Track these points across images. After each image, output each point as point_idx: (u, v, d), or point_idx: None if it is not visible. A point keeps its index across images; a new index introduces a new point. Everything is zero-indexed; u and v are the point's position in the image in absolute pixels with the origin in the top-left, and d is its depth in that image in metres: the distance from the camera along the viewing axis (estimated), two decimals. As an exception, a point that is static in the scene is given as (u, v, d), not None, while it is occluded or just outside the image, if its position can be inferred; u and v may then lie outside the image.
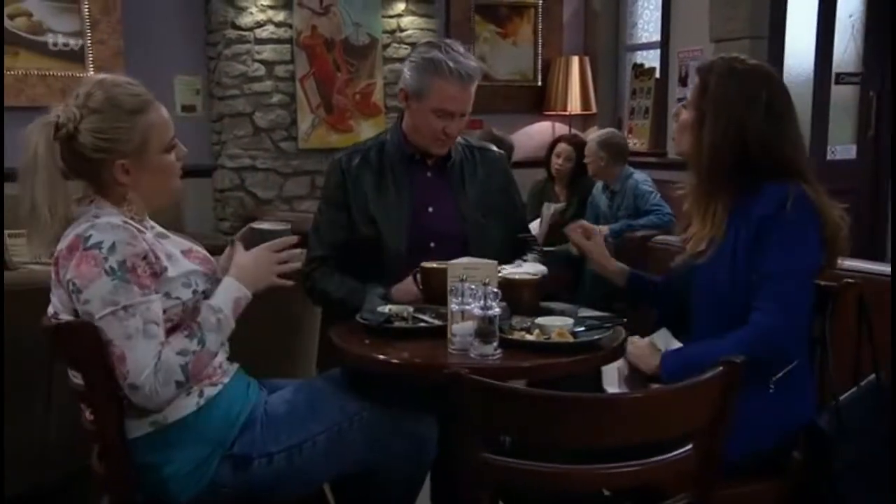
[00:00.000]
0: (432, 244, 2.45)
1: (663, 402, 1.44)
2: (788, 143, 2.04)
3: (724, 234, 2.06)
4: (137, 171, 1.87)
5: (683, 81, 6.03)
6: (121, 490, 1.83)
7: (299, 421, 1.94)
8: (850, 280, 2.15)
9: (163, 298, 1.81)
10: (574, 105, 6.45)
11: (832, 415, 2.03)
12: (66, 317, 1.79)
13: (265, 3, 5.56)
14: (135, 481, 1.82)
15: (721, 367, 1.45)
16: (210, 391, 1.87)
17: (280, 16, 5.61)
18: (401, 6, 5.92)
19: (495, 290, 1.88)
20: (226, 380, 1.92)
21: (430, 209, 2.52)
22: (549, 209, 4.96)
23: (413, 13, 5.96)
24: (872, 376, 2.13)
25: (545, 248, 4.95)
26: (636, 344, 2.11)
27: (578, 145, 5.35)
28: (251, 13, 5.52)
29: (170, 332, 1.81)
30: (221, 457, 1.85)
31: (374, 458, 2.02)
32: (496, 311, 1.85)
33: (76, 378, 1.82)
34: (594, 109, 6.56)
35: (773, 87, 2.05)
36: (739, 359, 1.46)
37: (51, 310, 1.85)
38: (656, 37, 6.42)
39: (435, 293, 2.15)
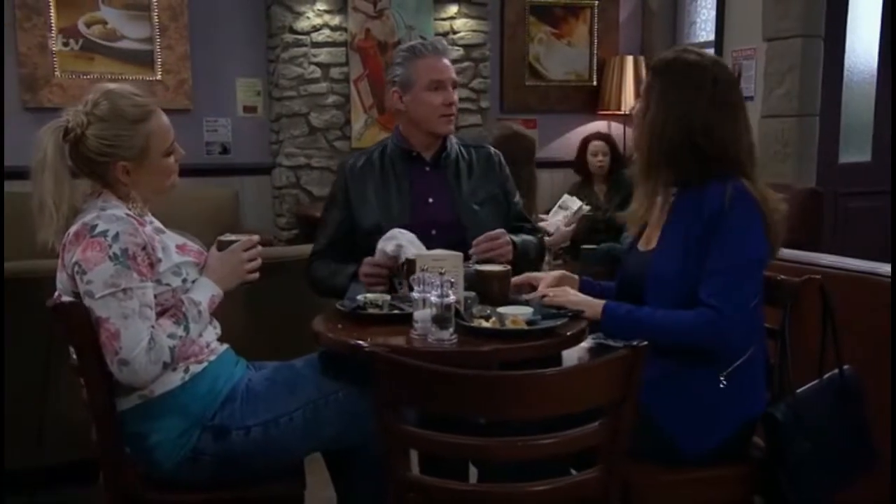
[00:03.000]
0: (433, 231, 2.63)
1: (565, 381, 1.55)
2: (730, 133, 2.11)
3: (670, 225, 2.17)
4: (137, 172, 2.07)
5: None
6: (112, 457, 2.02)
7: (277, 397, 2.10)
8: (812, 276, 2.21)
9: (154, 285, 2.01)
10: (628, 104, 6.47)
11: (789, 407, 2.09)
12: (67, 298, 2.00)
13: (321, 8, 5.77)
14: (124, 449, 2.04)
15: (624, 351, 1.56)
16: (195, 368, 2.06)
17: (335, 20, 5.81)
18: (453, 9, 6.05)
19: (451, 279, 2.01)
20: (212, 358, 2.10)
21: (430, 199, 2.72)
22: (575, 204, 4.91)
23: (465, 15, 6.08)
24: (836, 371, 2.20)
25: (585, 247, 5.04)
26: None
27: (609, 140, 5.49)
28: (308, 18, 5.74)
29: (159, 315, 2.01)
30: (203, 427, 2.03)
31: (351, 435, 2.17)
32: (451, 298, 1.98)
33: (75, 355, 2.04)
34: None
35: (721, 76, 2.12)
36: (642, 344, 1.56)
37: (56, 293, 2.07)
38: (713, 36, 6.40)
39: None
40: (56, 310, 1.97)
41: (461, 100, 6.03)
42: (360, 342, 1.90)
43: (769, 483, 2.12)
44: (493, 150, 2.85)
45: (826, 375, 2.19)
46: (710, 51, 6.37)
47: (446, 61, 2.69)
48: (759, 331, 2.18)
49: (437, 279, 1.99)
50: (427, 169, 2.74)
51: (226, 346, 2.19)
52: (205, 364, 2.08)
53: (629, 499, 2.07)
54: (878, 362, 2.45)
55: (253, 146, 5.99)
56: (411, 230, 2.62)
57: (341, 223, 2.72)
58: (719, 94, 2.10)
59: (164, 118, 2.12)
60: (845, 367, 2.20)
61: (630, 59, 6.53)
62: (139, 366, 1.92)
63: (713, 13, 6.39)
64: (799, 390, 2.13)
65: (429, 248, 2.44)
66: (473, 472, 2.54)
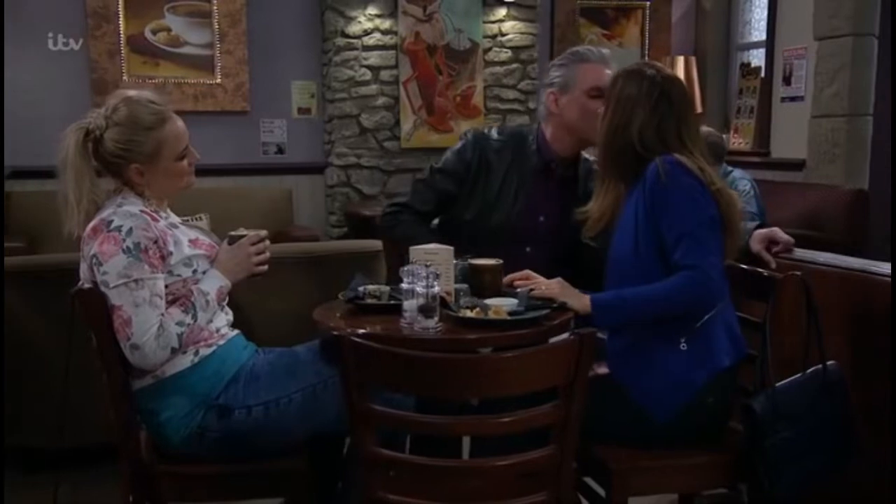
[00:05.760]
0: (528, 249, 2.69)
1: (514, 364, 1.66)
2: (669, 136, 2.26)
3: (623, 213, 2.30)
4: (150, 174, 2.24)
5: (787, 80, 5.97)
6: (128, 433, 2.19)
7: (277, 380, 2.24)
8: (794, 272, 2.27)
9: (166, 276, 2.18)
10: (679, 104, 6.47)
11: (768, 399, 2.16)
12: (87, 286, 2.19)
13: (372, 13, 5.95)
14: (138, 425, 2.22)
15: (574, 337, 1.66)
16: (205, 351, 2.22)
17: (386, 24, 5.98)
18: (502, 12, 6.16)
19: (437, 271, 2.14)
20: (221, 342, 2.26)
21: (542, 218, 2.73)
22: None
23: (514, 18, 6.19)
24: (819, 366, 2.25)
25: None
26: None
27: None
28: (359, 22, 5.93)
29: (170, 304, 2.18)
30: (208, 406, 2.19)
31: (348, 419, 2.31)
32: (436, 289, 2.11)
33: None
34: (699, 109, 6.55)
35: (669, 91, 2.28)
36: (588, 330, 1.66)
37: (80, 281, 2.26)
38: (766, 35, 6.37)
39: None
40: (77, 296, 2.15)
41: (509, 100, 6.18)
42: (336, 329, 2.03)
43: (750, 471, 2.19)
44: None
45: (809, 370, 2.25)
46: (762, 51, 6.36)
47: (609, 72, 2.63)
48: (725, 290, 2.27)
49: (424, 271, 2.11)
50: (553, 185, 2.73)
51: (236, 331, 2.35)
52: (214, 348, 2.24)
53: (610, 484, 2.17)
54: (874, 360, 2.47)
55: (307, 146, 6.22)
56: (505, 239, 2.64)
57: (440, 196, 2.74)
58: (660, 105, 2.26)
59: (179, 124, 2.27)
60: (829, 362, 2.24)
61: (681, 60, 6.52)
62: (149, 350, 2.10)
63: (767, 12, 6.35)
64: (779, 383, 2.19)
65: (518, 260, 2.46)
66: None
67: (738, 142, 6.33)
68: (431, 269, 2.12)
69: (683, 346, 2.19)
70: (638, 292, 2.21)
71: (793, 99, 5.94)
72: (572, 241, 2.64)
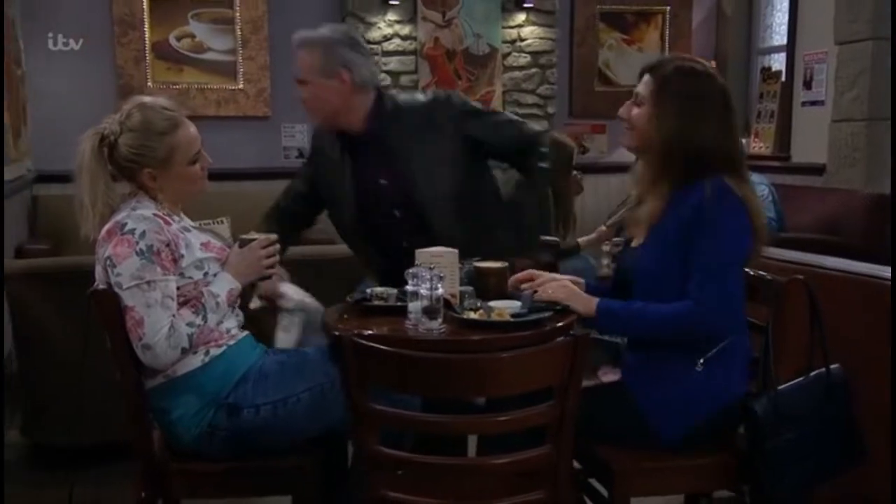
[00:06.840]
0: (397, 213, 2.75)
1: (505, 364, 1.69)
2: (731, 139, 2.23)
3: (661, 221, 2.25)
4: (163, 178, 2.29)
5: (808, 84, 5.95)
6: (141, 431, 2.25)
7: (286, 380, 2.29)
8: (797, 276, 2.28)
9: (178, 278, 2.23)
10: (700, 109, 6.46)
11: (770, 401, 2.17)
12: (102, 287, 2.25)
13: (392, 19, 6.01)
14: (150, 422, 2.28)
15: (567, 338, 1.69)
16: (215, 351, 2.27)
17: (406, 29, 6.04)
18: (521, 17, 6.19)
19: (440, 274, 2.17)
20: (231, 343, 2.30)
21: (383, 181, 2.79)
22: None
23: (533, 23, 6.21)
24: (822, 369, 2.26)
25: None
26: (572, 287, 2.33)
27: None
28: (379, 28, 5.99)
29: (181, 305, 2.23)
30: (218, 405, 2.24)
31: (357, 418, 2.35)
32: (440, 292, 2.15)
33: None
34: (719, 113, 6.52)
35: (724, 87, 2.24)
36: (583, 332, 1.69)
37: (96, 282, 2.32)
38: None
39: None
40: (92, 297, 2.21)
41: (528, 105, 6.21)
42: (342, 330, 2.06)
43: (752, 472, 2.20)
44: (441, 112, 2.80)
45: (812, 373, 2.26)
46: (782, 55, 6.34)
47: (300, 55, 2.73)
48: (741, 322, 2.27)
49: (428, 273, 2.15)
50: (369, 149, 2.77)
51: (246, 332, 2.39)
52: (223, 348, 2.28)
53: (612, 485, 2.19)
54: (877, 364, 2.48)
55: (327, 151, 6.26)
56: (360, 211, 2.76)
57: (297, 193, 2.98)
58: (719, 104, 2.21)
59: (191, 130, 2.32)
60: (833, 365, 2.25)
61: (701, 64, 6.51)
62: (160, 350, 2.15)
63: (787, 17, 6.33)
64: (782, 386, 2.20)
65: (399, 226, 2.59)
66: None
67: (758, 146, 6.31)
68: (435, 272, 2.15)
69: (699, 368, 2.18)
70: (643, 308, 2.21)
71: (813, 103, 5.91)
72: (431, 192, 2.71)
